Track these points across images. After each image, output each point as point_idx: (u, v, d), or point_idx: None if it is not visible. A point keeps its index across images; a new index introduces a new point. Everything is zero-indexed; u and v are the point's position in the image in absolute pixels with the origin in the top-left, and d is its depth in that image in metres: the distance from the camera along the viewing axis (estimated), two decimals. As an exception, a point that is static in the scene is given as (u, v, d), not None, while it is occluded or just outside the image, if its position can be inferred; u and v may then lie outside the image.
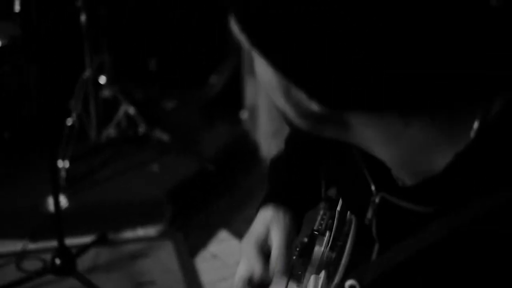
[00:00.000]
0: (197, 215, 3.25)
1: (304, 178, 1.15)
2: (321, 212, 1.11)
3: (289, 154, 1.20)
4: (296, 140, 1.19)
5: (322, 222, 1.09)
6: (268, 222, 1.09)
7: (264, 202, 1.12)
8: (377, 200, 0.74)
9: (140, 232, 3.05)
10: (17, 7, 3.35)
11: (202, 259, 2.94)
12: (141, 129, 3.57)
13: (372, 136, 0.65)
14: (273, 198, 1.12)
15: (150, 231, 3.05)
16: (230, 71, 4.18)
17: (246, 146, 3.87)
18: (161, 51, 4.37)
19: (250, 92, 3.91)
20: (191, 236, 3.07)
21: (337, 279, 0.81)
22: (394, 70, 0.56)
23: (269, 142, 3.75)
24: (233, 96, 4.05)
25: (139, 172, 3.37)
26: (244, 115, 4.00)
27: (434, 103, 0.60)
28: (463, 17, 0.54)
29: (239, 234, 3.08)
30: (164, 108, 4.10)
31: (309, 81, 0.60)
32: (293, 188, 1.14)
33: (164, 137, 3.58)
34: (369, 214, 0.76)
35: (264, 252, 1.07)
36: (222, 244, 3.04)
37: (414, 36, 0.54)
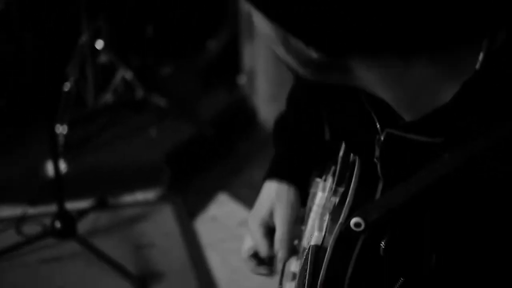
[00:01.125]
0: (195, 179, 3.25)
1: (308, 140, 1.15)
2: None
3: (292, 114, 1.19)
4: (298, 96, 1.18)
5: (323, 169, 1.09)
6: (273, 198, 1.10)
7: (269, 173, 1.13)
8: (382, 137, 0.74)
9: (139, 196, 3.05)
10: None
11: (201, 221, 2.95)
12: (139, 94, 3.55)
13: (373, 79, 0.65)
14: (277, 169, 1.13)
15: (149, 195, 3.06)
16: (227, 36, 4.15)
17: (244, 110, 3.86)
18: (158, 17, 4.33)
19: (247, 57, 3.88)
20: (190, 200, 3.08)
21: (341, 218, 0.81)
22: (389, 10, 0.55)
23: (267, 106, 3.74)
24: (230, 60, 4.03)
25: (137, 137, 3.37)
26: (242, 79, 3.98)
27: (434, 42, 0.59)
28: None
29: (238, 197, 3.08)
30: (161, 74, 4.07)
31: (304, 30, 0.59)
32: (296, 157, 1.14)
33: (162, 102, 3.56)
34: (376, 152, 0.75)
35: (269, 228, 1.10)
36: (221, 206, 3.05)
37: None
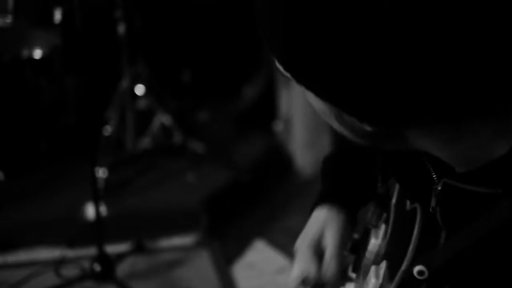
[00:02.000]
0: (232, 224, 3.25)
1: (358, 174, 1.15)
2: (372, 208, 1.11)
3: (342, 151, 1.20)
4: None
5: (374, 216, 1.08)
6: (322, 222, 1.09)
7: (318, 202, 1.13)
8: (439, 187, 0.74)
9: (177, 240, 3.05)
10: (58, 17, 3.43)
11: (238, 268, 2.94)
12: (177, 139, 3.60)
13: (428, 144, 0.68)
14: (326, 197, 1.12)
15: (186, 240, 3.06)
16: (263, 82, 4.19)
17: (280, 157, 3.87)
18: (195, 62, 4.40)
19: (284, 103, 3.91)
20: (227, 246, 3.07)
21: (404, 265, 0.81)
22: (442, 84, 0.57)
23: (303, 153, 3.74)
24: (267, 107, 4.06)
25: (175, 181, 3.39)
26: (278, 126, 4.00)
27: (487, 108, 0.61)
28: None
29: (275, 243, 3.07)
30: (198, 119, 4.12)
31: (357, 108, 0.62)
32: (346, 186, 1.14)
33: (199, 147, 3.59)
34: (433, 202, 0.76)
35: (319, 253, 1.08)
36: (258, 253, 3.04)
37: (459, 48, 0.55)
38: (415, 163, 0.80)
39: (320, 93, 0.63)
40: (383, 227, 1.02)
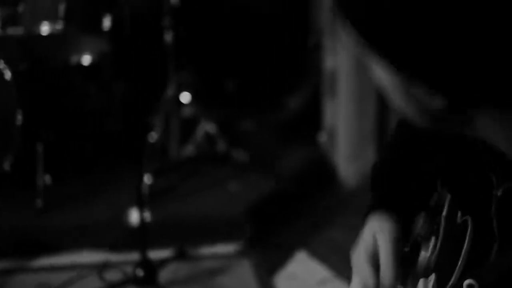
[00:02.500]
0: (274, 234, 3.24)
1: (410, 181, 1.13)
2: (422, 220, 1.09)
3: (392, 158, 1.18)
4: (399, 143, 1.17)
5: (424, 229, 1.07)
6: (375, 231, 1.07)
7: (370, 210, 1.11)
8: (499, 192, 0.72)
9: (219, 248, 3.06)
10: (107, 24, 3.48)
11: (280, 278, 2.92)
12: (220, 147, 3.61)
13: (496, 130, 0.63)
14: (378, 205, 1.11)
15: (229, 248, 3.06)
16: (308, 92, 4.18)
17: (323, 168, 3.85)
18: (240, 71, 4.42)
19: (329, 114, 3.89)
20: (269, 255, 3.06)
21: (453, 279, 0.79)
22: None
23: (347, 165, 3.71)
24: (311, 117, 4.05)
25: (218, 190, 3.40)
26: (323, 137, 3.98)
27: None
28: None
29: (317, 255, 3.04)
30: (242, 128, 4.13)
31: (434, 77, 0.57)
32: (398, 193, 1.12)
33: (243, 156, 3.60)
34: (492, 209, 0.74)
35: (375, 262, 1.06)
36: (300, 264, 3.02)
37: None
38: (473, 169, 0.78)
39: (392, 59, 0.59)
40: (432, 240, 1.01)
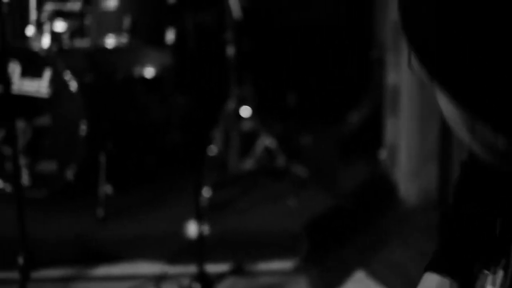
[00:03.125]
0: (332, 252, 3.20)
1: (475, 232, 1.10)
2: (489, 254, 1.05)
3: (459, 204, 1.15)
4: (467, 186, 1.14)
5: (491, 261, 1.03)
6: None
7: (431, 265, 1.09)
8: None
9: (276, 265, 3.03)
10: (170, 38, 3.53)
11: (337, 297, 2.88)
12: (280, 162, 3.60)
13: None
14: (440, 264, 1.09)
15: (286, 264, 3.04)
16: (369, 108, 4.14)
17: (383, 185, 3.79)
18: (301, 86, 4.41)
19: (390, 131, 3.83)
20: (326, 273, 3.02)
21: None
22: None
23: (408, 183, 3.65)
24: (372, 133, 4.00)
25: (277, 204, 3.38)
26: (383, 154, 3.92)
27: None
28: None
29: (375, 275, 2.99)
30: (301, 142, 4.11)
31: (496, 115, 0.58)
32: (461, 251, 1.10)
33: (302, 171, 3.58)
34: None
35: None
36: (358, 284, 2.96)
37: None
38: None
39: (456, 95, 0.59)
40: (501, 273, 0.98)
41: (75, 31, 3.45)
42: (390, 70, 3.80)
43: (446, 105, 0.64)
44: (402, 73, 3.63)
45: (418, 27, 0.60)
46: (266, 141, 3.61)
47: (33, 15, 3.35)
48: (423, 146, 3.55)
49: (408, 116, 3.59)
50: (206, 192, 3.27)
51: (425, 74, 0.61)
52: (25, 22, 3.40)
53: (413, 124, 3.56)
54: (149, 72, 3.58)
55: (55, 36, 3.33)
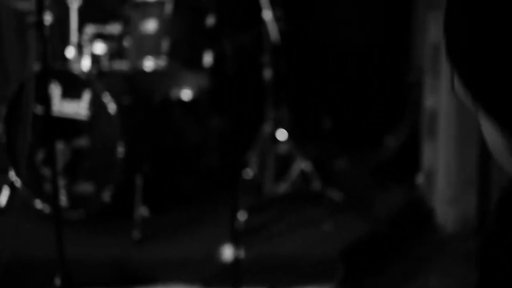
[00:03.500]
0: (367, 278, 3.16)
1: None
2: None
3: (501, 234, 1.12)
4: (510, 213, 1.12)
5: None
6: None
7: None
8: None
9: (311, 290, 3.01)
10: (208, 60, 3.55)
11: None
12: (315, 186, 3.58)
13: None
14: None
15: (321, 290, 3.01)
16: (406, 132, 4.10)
17: (420, 211, 3.74)
18: (336, 109, 4.39)
19: (427, 155, 3.79)
20: (362, 300, 2.99)
21: None
22: None
23: (445, 209, 3.59)
24: (409, 158, 3.95)
25: (312, 229, 3.36)
26: (420, 179, 3.87)
27: None
28: None
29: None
30: (337, 166, 4.09)
31: None
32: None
33: (337, 196, 3.55)
34: None
35: None
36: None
37: None
38: None
39: (499, 121, 0.59)
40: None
41: (114, 54, 3.49)
42: (427, 93, 3.77)
43: (490, 133, 0.64)
44: (440, 96, 3.59)
45: (463, 51, 0.60)
46: (301, 165, 3.60)
47: (73, 37, 3.41)
48: (461, 171, 3.50)
49: (446, 141, 3.55)
50: (242, 216, 3.26)
51: (470, 99, 0.61)
52: (66, 44, 3.45)
53: (451, 149, 3.51)
54: (186, 94, 3.61)
55: (94, 58, 3.37)
